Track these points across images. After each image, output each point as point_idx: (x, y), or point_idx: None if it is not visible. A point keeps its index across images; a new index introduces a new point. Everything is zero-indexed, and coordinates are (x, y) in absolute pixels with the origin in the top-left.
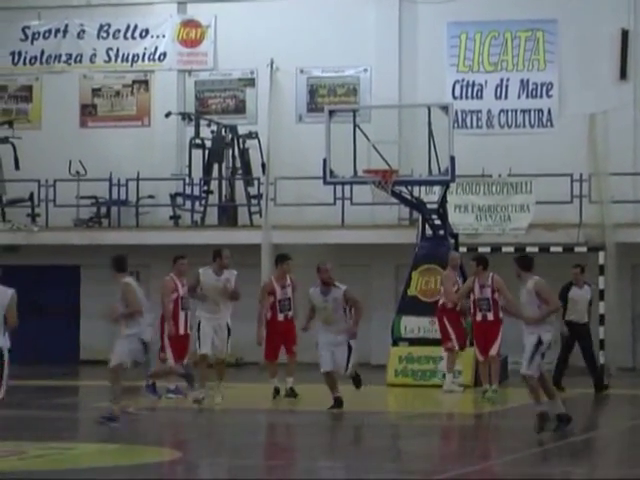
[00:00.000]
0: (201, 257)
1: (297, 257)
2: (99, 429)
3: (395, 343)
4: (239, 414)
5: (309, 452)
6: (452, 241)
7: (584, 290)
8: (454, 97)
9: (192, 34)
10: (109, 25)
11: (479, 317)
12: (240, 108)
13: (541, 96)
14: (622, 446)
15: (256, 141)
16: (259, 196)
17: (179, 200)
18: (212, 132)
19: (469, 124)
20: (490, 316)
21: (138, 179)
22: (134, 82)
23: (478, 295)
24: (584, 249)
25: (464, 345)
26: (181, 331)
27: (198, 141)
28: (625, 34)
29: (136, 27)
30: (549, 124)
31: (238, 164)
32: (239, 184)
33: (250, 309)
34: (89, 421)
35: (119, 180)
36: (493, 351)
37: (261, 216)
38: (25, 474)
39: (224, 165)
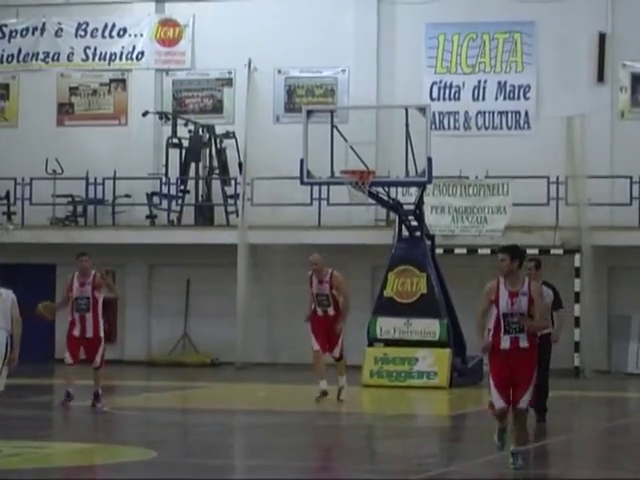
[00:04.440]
0: (177, 257)
1: (274, 257)
2: (74, 428)
3: (371, 344)
4: (214, 414)
5: (284, 452)
6: (428, 242)
7: None
8: (432, 98)
9: (170, 33)
10: (87, 24)
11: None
12: (217, 108)
13: (518, 98)
14: (598, 448)
15: (233, 141)
16: (236, 196)
17: (156, 199)
18: (189, 132)
19: (446, 125)
20: (331, 311)
21: (115, 178)
22: (111, 81)
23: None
24: (560, 251)
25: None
26: (75, 332)
27: (175, 140)
28: (602, 37)
29: (114, 26)
30: (526, 126)
31: (215, 164)
32: (216, 184)
33: (225, 309)
34: (64, 420)
35: (96, 179)
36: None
37: (237, 216)
38: (1, 473)
39: (201, 165)
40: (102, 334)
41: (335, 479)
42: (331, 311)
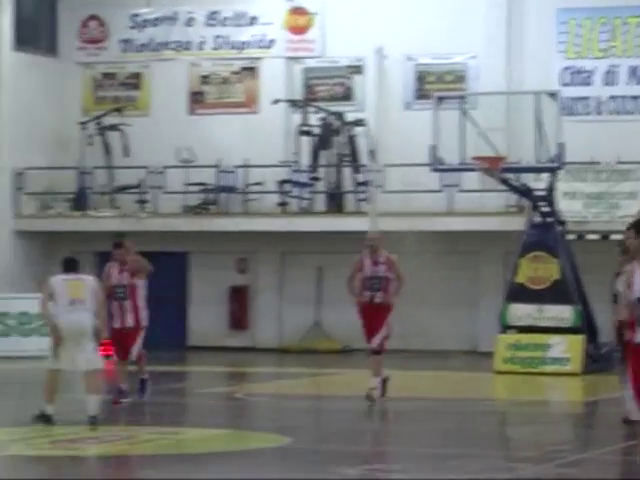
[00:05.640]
0: (308, 244)
1: (404, 244)
2: (206, 415)
3: (503, 331)
4: (347, 400)
5: (416, 439)
6: (560, 228)
7: None
8: (562, 84)
9: (300, 21)
10: (218, 12)
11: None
12: (348, 95)
13: None
14: None
15: (363, 128)
16: (366, 183)
17: (287, 187)
18: (320, 119)
19: (577, 111)
20: (378, 298)
21: (246, 166)
22: (242, 69)
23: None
24: None
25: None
26: (115, 324)
27: (306, 128)
28: None
29: (245, 14)
30: None
31: (345, 151)
32: (346, 171)
33: None
34: (196, 407)
35: (227, 167)
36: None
37: (368, 203)
38: (135, 459)
39: (331, 152)
40: (145, 323)
41: (467, 466)
42: (379, 298)
